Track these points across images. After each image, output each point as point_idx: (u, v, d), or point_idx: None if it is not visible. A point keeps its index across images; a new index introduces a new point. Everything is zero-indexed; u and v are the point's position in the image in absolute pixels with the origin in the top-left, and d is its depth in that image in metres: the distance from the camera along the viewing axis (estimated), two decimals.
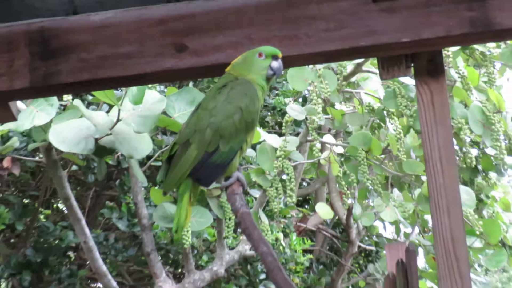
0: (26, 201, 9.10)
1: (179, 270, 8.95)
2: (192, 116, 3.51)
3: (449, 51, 6.72)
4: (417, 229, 9.39)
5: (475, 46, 7.14)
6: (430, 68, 3.88)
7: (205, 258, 8.04)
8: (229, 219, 6.13)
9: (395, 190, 7.99)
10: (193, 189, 3.41)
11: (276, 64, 3.46)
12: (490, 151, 8.32)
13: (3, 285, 8.87)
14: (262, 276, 8.74)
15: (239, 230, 7.76)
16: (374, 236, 11.67)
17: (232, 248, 7.08)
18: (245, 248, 7.06)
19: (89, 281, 9.64)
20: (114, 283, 6.63)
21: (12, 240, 9.21)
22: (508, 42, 6.90)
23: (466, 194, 6.74)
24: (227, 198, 3.41)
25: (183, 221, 3.36)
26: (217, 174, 3.40)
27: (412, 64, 3.92)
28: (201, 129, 3.34)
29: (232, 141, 3.35)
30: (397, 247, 5.18)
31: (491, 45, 7.25)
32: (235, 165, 3.41)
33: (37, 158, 7.17)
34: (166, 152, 3.50)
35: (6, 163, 6.69)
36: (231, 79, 3.46)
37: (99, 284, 9.63)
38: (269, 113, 9.63)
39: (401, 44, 3.74)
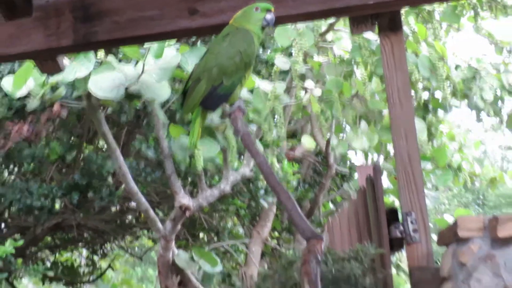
0: (73, 139, 9.09)
1: (196, 190, 8.98)
2: (201, 59, 3.59)
3: (402, 10, 6.73)
4: (381, 157, 9.41)
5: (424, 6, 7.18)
6: (391, 25, 3.91)
7: (216, 178, 8.08)
8: (232, 148, 6.15)
9: (363, 123, 8.00)
10: (202, 115, 3.54)
11: (269, 16, 3.52)
12: (438, 94, 8.34)
13: (57, 204, 8.91)
14: (262, 192, 8.77)
15: (242, 157, 7.74)
16: (348, 162, 11.70)
17: (236, 170, 7.08)
18: (246, 170, 7.07)
19: (124, 201, 9.68)
20: (144, 199, 6.68)
21: (63, 170, 9.23)
22: (450, 3, 6.87)
23: (418, 123, 6.81)
24: (231, 122, 3.47)
25: (196, 139, 3.48)
26: (221, 102, 3.50)
27: (377, 22, 3.92)
28: (209, 68, 3.43)
29: (233, 76, 3.43)
30: (366, 168, 5.23)
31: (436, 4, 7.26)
32: (237, 96, 3.49)
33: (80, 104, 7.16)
34: (182, 87, 3.57)
35: (55, 107, 6.71)
36: (233, 29, 3.52)
37: (133, 203, 9.68)
38: (264, 67, 9.58)
39: (367, 6, 3.77)
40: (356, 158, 11.32)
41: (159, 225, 6.73)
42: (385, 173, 8.78)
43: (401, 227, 3.66)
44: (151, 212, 6.72)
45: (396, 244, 3.90)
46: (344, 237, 5.11)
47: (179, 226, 6.74)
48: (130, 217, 10.75)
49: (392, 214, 3.90)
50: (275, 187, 3.05)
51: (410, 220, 3.62)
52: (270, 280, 3.54)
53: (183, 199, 6.46)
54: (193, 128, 3.49)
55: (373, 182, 4.20)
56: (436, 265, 3.59)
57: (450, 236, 3.22)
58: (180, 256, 6.83)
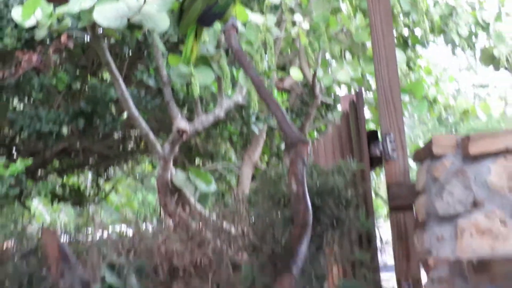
0: (78, 71, 9.01)
1: (192, 117, 8.96)
2: None
3: None
4: (363, 90, 9.40)
5: None
6: None
7: (212, 106, 8.06)
8: (226, 76, 6.14)
9: (348, 55, 7.97)
10: (198, 31, 3.56)
11: None
12: (417, 32, 8.32)
13: (65, 129, 8.89)
14: (253, 118, 8.76)
15: (235, 87, 7.71)
16: (332, 95, 11.68)
17: (229, 97, 7.05)
18: (238, 97, 7.04)
19: (126, 129, 9.67)
20: (144, 124, 6.68)
21: (69, 100, 9.17)
22: None
23: (398, 53, 6.83)
24: (225, 38, 3.46)
25: (190, 54, 3.50)
26: (216, 19, 3.51)
27: None
28: None
29: None
30: (349, 96, 5.23)
31: None
32: (230, 14, 3.48)
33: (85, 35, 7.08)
34: (178, 5, 3.56)
35: (63, 38, 6.62)
36: None
37: (134, 132, 9.68)
38: (256, 3, 9.47)
39: None
40: (340, 91, 11.30)
41: (159, 147, 6.75)
42: (366, 107, 8.80)
43: (381, 147, 3.69)
44: (151, 135, 6.72)
45: (375, 162, 3.94)
46: (328, 159, 5.14)
47: (176, 149, 6.76)
48: (131, 143, 10.77)
49: (372, 135, 3.94)
50: (266, 97, 3.06)
51: (388, 140, 3.64)
52: (260, 193, 3.58)
53: (181, 123, 6.47)
54: (188, 43, 3.52)
55: (355, 106, 4.22)
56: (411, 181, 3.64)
57: (425, 153, 3.25)
58: (178, 176, 6.88)
